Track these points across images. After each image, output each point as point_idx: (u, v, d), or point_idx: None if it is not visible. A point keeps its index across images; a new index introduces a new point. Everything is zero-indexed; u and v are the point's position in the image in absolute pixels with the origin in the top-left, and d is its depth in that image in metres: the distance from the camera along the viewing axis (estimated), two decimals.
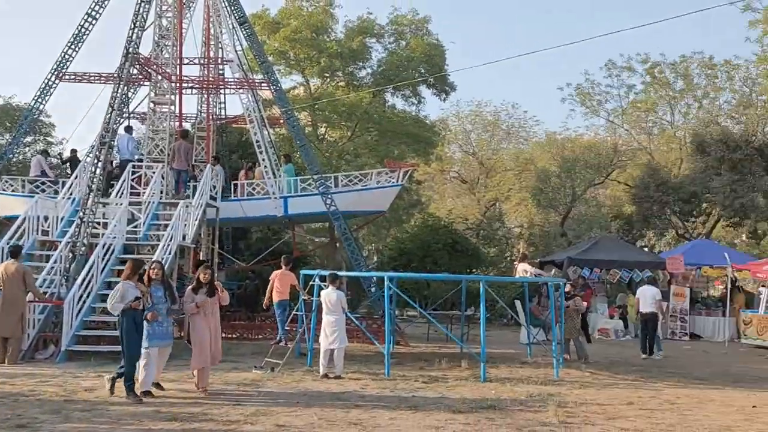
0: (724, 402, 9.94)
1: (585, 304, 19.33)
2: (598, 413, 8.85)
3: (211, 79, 19.16)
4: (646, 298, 15.65)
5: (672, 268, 21.31)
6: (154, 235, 14.52)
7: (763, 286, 20.55)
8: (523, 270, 14.49)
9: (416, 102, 26.10)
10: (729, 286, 21.30)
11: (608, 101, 32.67)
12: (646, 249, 30.41)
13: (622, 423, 8.30)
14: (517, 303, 16.40)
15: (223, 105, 20.13)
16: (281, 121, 19.68)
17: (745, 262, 20.67)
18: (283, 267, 13.87)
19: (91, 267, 12.86)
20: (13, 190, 17.45)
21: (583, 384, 11.27)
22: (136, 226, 14.66)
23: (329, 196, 16.53)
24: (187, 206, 14.90)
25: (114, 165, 16.74)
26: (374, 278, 16.39)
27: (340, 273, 12.83)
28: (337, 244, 23.86)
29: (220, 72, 19.65)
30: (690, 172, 28.22)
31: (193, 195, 15.90)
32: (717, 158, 26.18)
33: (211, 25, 19.19)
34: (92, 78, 18.10)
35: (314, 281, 12.49)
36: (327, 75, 25.87)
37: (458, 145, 38.61)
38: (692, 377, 12.48)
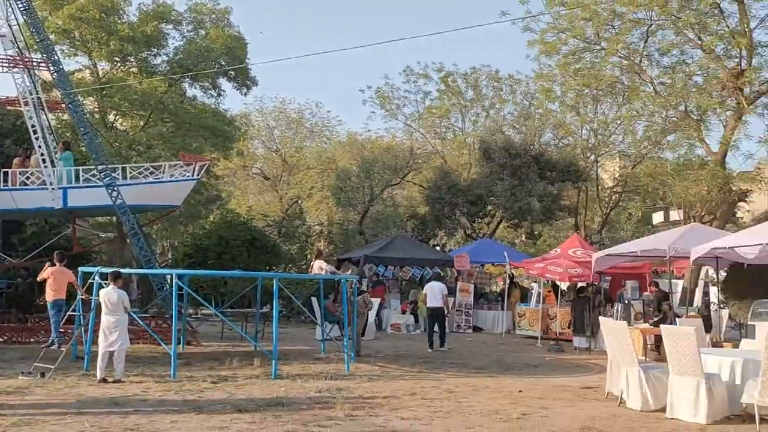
0: (496, 388, 10.74)
1: (378, 300, 20.05)
2: (382, 405, 9.13)
3: None
4: (435, 293, 16.46)
5: (459, 266, 22.71)
6: None
7: (534, 282, 22.60)
8: (319, 267, 14.62)
9: (216, 94, 25.33)
10: (507, 282, 23.20)
11: (406, 106, 34.15)
12: (438, 247, 32.19)
13: (403, 413, 8.63)
14: (313, 300, 16.54)
15: None
16: (63, 106, 18.04)
17: (521, 260, 22.56)
18: (57, 263, 12.74)
19: None
20: None
21: (371, 377, 11.59)
22: None
23: (115, 188, 15.45)
24: None
25: None
26: (167, 276, 15.61)
27: (124, 270, 12.05)
28: (128, 240, 22.45)
29: None
30: (477, 176, 30.25)
31: None
32: (500, 164, 28.32)
33: None
34: None
35: (94, 279, 11.60)
36: (117, 59, 24.19)
37: (261, 141, 38.20)
38: (471, 367, 13.35)
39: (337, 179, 32.06)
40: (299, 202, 36.06)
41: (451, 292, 20.70)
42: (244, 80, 25.26)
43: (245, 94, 26.09)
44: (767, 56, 20.91)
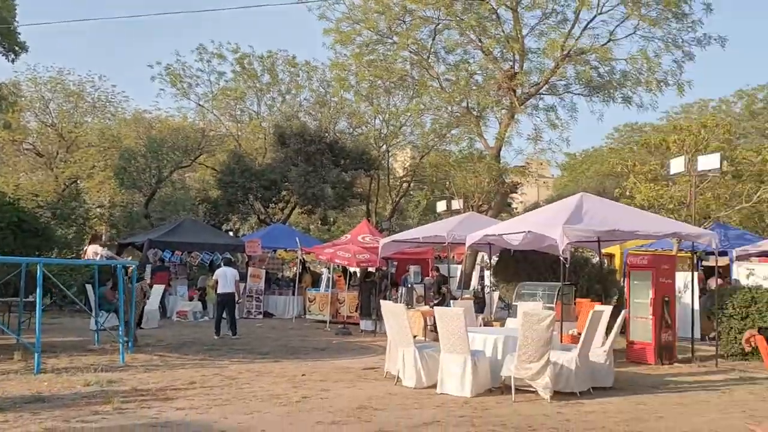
0: (280, 373, 10.72)
1: (162, 286, 19.15)
2: (157, 396, 8.70)
3: None
4: (227, 278, 16.03)
5: (250, 251, 22.40)
6: None
7: (326, 267, 22.96)
8: (93, 252, 13.54)
9: None
10: (300, 267, 23.33)
11: (199, 85, 32.90)
12: (231, 232, 31.49)
13: (179, 403, 8.29)
14: (88, 287, 15.35)
15: None
16: None
17: (312, 246, 22.78)
18: None
19: None
20: None
21: (148, 368, 11.01)
22: None
23: None
24: None
25: None
26: None
27: None
28: None
29: None
30: (272, 161, 30.04)
31: None
32: (295, 150, 28.36)
33: None
34: None
35: None
36: None
37: (34, 113, 34.58)
38: (257, 352, 13.21)
39: (121, 159, 30.02)
40: (78, 182, 33.24)
41: (243, 277, 20.37)
42: (11, 45, 22.57)
43: (13, 61, 23.37)
44: (536, 62, 23.09)
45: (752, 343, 6.04)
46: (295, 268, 27.20)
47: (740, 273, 15.89)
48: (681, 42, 21.48)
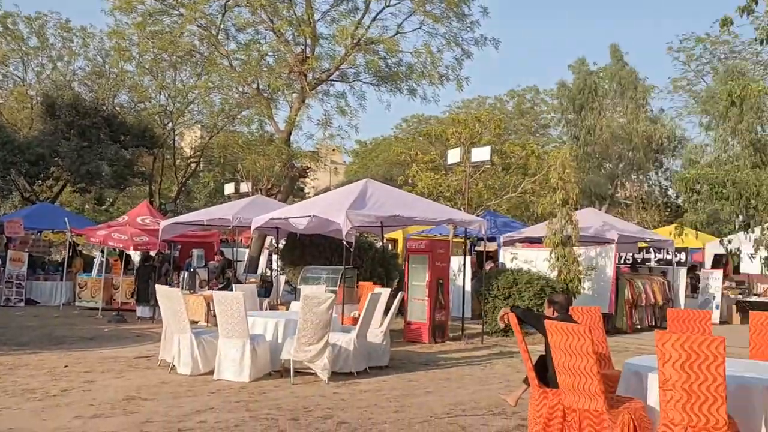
0: (38, 365, 9.69)
1: None
2: None
3: None
4: None
5: (10, 232, 20.14)
6: None
7: (100, 250, 21.32)
8: None
9: None
10: (69, 250, 21.40)
11: None
12: None
13: None
14: None
15: None
16: None
17: (85, 227, 21.02)
18: None
19: None
20: None
21: None
22: None
23: None
24: None
25: None
26: None
27: None
28: None
29: None
30: (39, 133, 27.23)
31: None
32: (67, 122, 25.94)
33: None
34: None
35: None
36: None
37: None
38: (13, 343, 11.87)
39: None
40: None
41: (2, 261, 18.28)
42: None
43: None
44: (327, 48, 23.25)
45: (506, 320, 6.55)
46: (64, 252, 24.95)
47: (506, 257, 17.31)
48: (461, 40, 22.82)
